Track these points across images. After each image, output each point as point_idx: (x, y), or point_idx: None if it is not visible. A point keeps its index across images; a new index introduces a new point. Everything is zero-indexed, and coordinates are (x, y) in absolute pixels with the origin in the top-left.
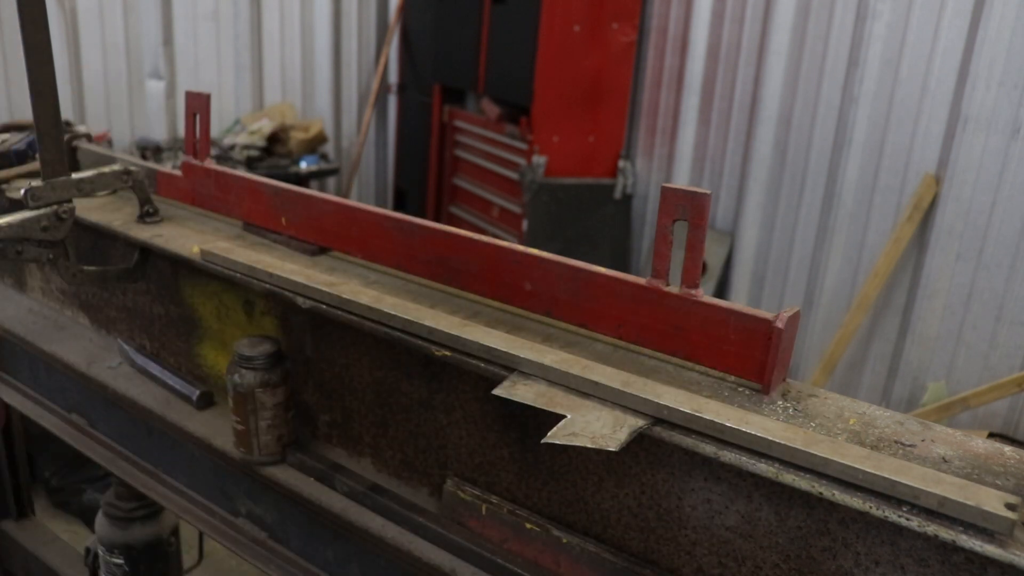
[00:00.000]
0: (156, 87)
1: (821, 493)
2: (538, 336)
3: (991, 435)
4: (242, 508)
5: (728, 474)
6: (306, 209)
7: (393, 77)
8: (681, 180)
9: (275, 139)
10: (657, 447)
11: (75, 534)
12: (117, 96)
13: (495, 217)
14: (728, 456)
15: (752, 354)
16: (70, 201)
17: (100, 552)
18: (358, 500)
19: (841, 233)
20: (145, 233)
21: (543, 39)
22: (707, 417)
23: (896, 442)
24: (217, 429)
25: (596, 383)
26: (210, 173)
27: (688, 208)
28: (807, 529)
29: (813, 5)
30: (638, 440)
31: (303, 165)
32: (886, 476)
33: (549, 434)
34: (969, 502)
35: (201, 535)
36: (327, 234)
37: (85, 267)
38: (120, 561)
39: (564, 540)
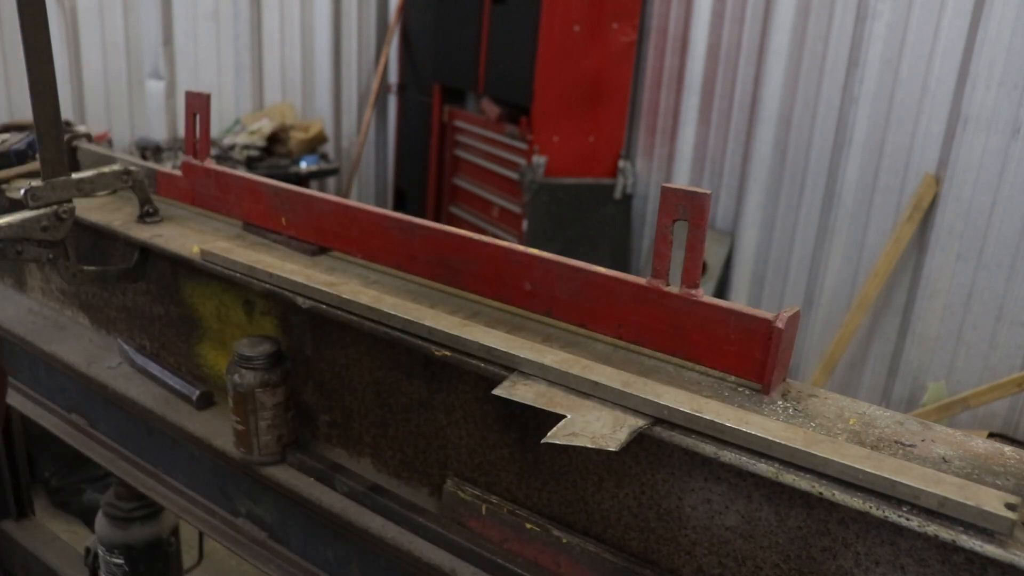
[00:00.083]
0: (156, 87)
1: (821, 493)
2: (538, 336)
3: (991, 435)
4: (242, 508)
5: (728, 474)
6: (306, 209)
7: (393, 77)
8: (681, 180)
9: (275, 139)
10: (657, 447)
11: (75, 534)
12: (117, 96)
13: (495, 217)
14: (728, 456)
15: (752, 354)
16: (70, 201)
17: (100, 552)
18: (358, 500)
19: (841, 233)
20: (145, 233)
21: (543, 39)
22: (707, 417)
23: (896, 442)
24: (217, 429)
25: (596, 383)
26: (210, 173)
27: (688, 208)
28: (807, 529)
29: (813, 5)
30: (638, 440)
31: (303, 165)
32: (886, 476)
33: (549, 434)
34: (969, 502)
35: (201, 535)
36: (327, 234)
37: (85, 267)
38: (120, 561)
39: (564, 540)
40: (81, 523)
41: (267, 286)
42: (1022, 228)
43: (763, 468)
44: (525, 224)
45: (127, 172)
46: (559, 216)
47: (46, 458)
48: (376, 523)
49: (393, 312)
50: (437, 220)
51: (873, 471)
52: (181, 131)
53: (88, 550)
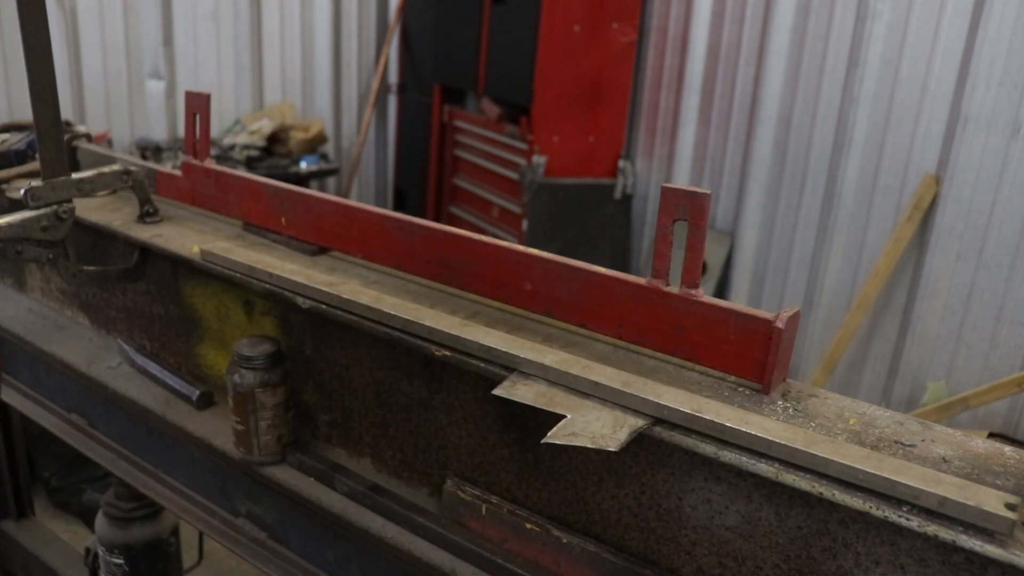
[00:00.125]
0: (156, 87)
1: (821, 493)
2: (538, 336)
3: (991, 435)
4: (242, 508)
5: (728, 474)
6: (306, 209)
7: (393, 77)
8: (681, 180)
9: (275, 139)
10: (657, 447)
11: (75, 534)
12: (117, 96)
13: (495, 217)
14: (728, 456)
15: (752, 354)
16: (70, 201)
17: (100, 552)
18: (358, 500)
19: (841, 233)
20: (145, 233)
21: (543, 39)
22: (707, 417)
23: (896, 442)
24: (217, 429)
25: (596, 383)
26: (210, 173)
27: (688, 208)
28: (807, 529)
29: (813, 5)
30: (638, 440)
31: (303, 165)
32: (886, 476)
33: (549, 434)
34: (969, 502)
35: (201, 535)
36: (327, 234)
37: (85, 267)
38: (120, 561)
39: (564, 540)
40: (81, 523)
41: (267, 286)
42: (1022, 228)
43: (763, 468)
44: (525, 224)
45: (127, 172)
46: (559, 216)
47: (46, 458)
48: (376, 523)
49: (393, 312)
50: (437, 220)
51: (873, 471)
52: (181, 131)
53: (88, 550)
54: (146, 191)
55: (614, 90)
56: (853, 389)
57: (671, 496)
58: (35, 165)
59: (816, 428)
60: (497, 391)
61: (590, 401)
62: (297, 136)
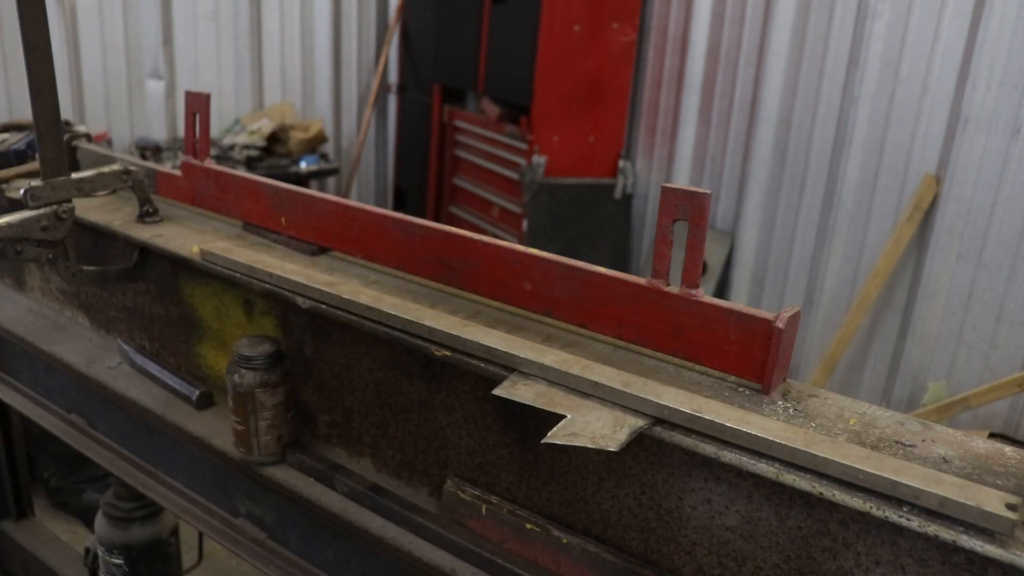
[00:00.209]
0: (156, 87)
1: (821, 493)
2: (538, 336)
3: (992, 435)
4: (242, 508)
5: (728, 474)
6: (306, 209)
7: (393, 77)
8: (681, 180)
9: (275, 139)
10: (657, 447)
11: (75, 534)
12: (117, 96)
13: (495, 217)
14: (728, 456)
15: (752, 354)
16: (70, 201)
17: (100, 552)
18: (358, 500)
19: (841, 233)
20: (145, 233)
21: (543, 39)
22: (707, 417)
23: (896, 442)
24: (217, 429)
25: (596, 383)
26: (210, 173)
27: (688, 208)
28: (807, 529)
29: (813, 5)
30: (638, 440)
31: (303, 165)
32: (887, 476)
33: (549, 434)
34: (970, 502)
35: (201, 535)
36: (327, 234)
37: (85, 267)
38: (120, 561)
39: (564, 540)
40: (81, 523)
41: (267, 286)
42: (1022, 228)
43: (763, 468)
44: (525, 224)
45: (127, 172)
46: (559, 216)
47: (46, 458)
48: (376, 523)
49: (393, 312)
50: (437, 220)
51: (873, 471)
52: (181, 131)
53: (88, 550)
54: (146, 191)
55: (614, 90)
56: (853, 389)
57: (671, 496)
58: (35, 165)
59: (816, 428)
60: (497, 391)
61: (590, 401)
62: (297, 136)
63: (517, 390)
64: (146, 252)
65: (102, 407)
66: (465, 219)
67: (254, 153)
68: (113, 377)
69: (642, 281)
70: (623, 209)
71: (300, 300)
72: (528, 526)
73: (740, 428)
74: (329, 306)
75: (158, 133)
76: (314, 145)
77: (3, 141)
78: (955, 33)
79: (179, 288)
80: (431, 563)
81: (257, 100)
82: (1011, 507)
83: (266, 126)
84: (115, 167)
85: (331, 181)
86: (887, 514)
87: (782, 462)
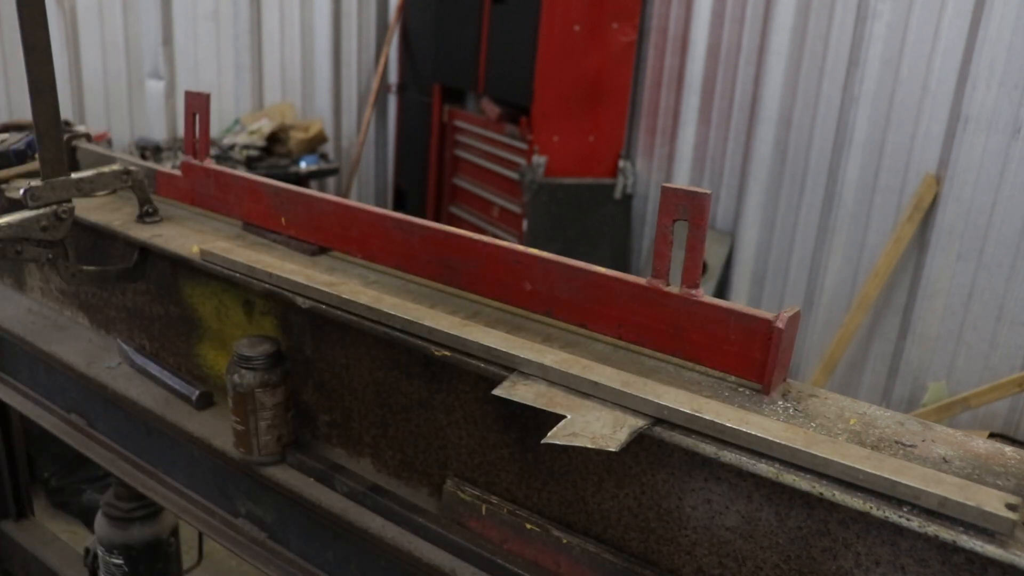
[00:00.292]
0: (156, 87)
1: (821, 493)
2: (538, 336)
3: (992, 435)
4: (242, 508)
5: (728, 474)
6: (306, 209)
7: (393, 77)
8: (681, 180)
9: (275, 139)
10: (657, 447)
11: (75, 534)
12: (117, 96)
13: (495, 217)
14: (728, 456)
15: (752, 354)
16: (69, 201)
17: (99, 552)
18: (358, 500)
19: (841, 233)
20: (145, 233)
21: (543, 39)
22: (707, 417)
23: (896, 442)
24: (217, 429)
25: (596, 383)
26: (210, 173)
27: (688, 208)
28: (807, 529)
29: (813, 5)
30: (638, 440)
31: (303, 165)
32: (887, 476)
33: (549, 434)
34: (970, 502)
35: (201, 535)
36: (327, 234)
37: (84, 267)
38: (120, 561)
39: (564, 540)
40: (81, 523)
41: (267, 286)
42: (1022, 228)
43: (763, 468)
44: (525, 224)
45: (127, 172)
46: (559, 216)
47: (46, 458)
48: (376, 523)
49: (393, 312)
50: (437, 220)
51: (873, 471)
52: (181, 131)
53: (88, 550)
54: (146, 191)
55: (614, 90)
56: (853, 389)
57: (671, 496)
58: (35, 165)
59: (816, 428)
60: (497, 391)
61: (590, 401)
62: (297, 136)
63: (517, 390)
64: (146, 252)
65: (102, 407)
66: (465, 219)
67: (254, 153)
68: (113, 377)
69: (642, 281)
70: (623, 209)
71: (300, 300)
72: (528, 526)
73: (740, 428)
74: (329, 306)
75: (158, 133)
76: (314, 145)
77: (3, 141)
78: (955, 33)
79: (179, 288)
80: (431, 563)
81: (257, 100)
82: (1011, 507)
83: (266, 126)
84: (115, 167)
85: (331, 181)
86: (887, 514)
87: (782, 462)
